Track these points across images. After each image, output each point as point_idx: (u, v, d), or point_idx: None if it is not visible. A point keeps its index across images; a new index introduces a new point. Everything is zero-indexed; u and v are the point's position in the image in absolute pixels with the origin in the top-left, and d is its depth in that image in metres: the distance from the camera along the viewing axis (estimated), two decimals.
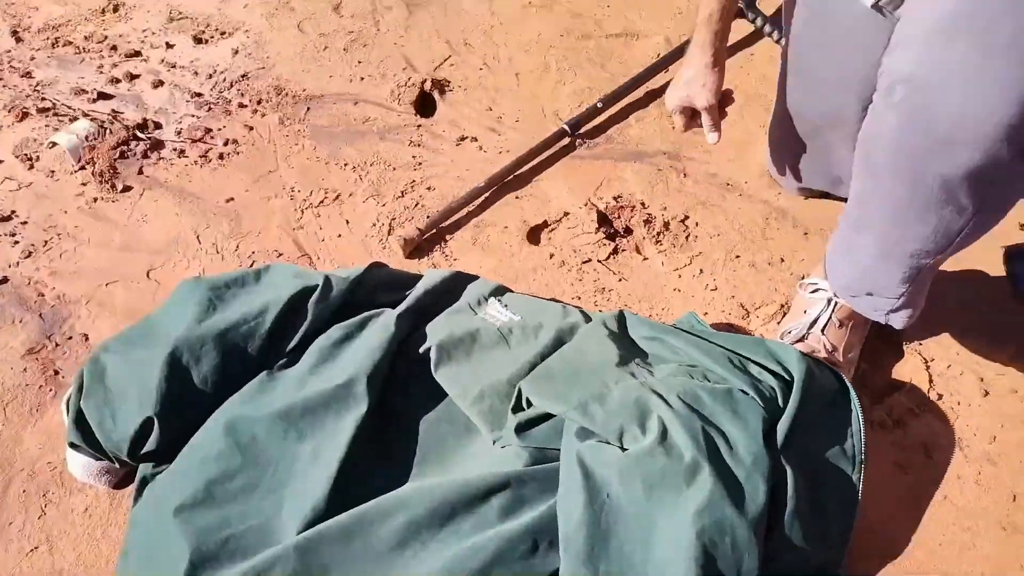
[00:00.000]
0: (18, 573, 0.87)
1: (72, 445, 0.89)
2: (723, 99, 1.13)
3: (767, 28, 1.58)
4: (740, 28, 1.61)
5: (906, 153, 0.76)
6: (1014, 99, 0.66)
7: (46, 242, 1.25)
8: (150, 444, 0.86)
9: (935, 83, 0.71)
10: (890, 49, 0.77)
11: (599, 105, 1.47)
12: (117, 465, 0.90)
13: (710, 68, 1.06)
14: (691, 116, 1.13)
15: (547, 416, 0.87)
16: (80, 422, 0.88)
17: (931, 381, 1.04)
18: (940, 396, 1.03)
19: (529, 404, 0.88)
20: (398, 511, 0.78)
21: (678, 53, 1.55)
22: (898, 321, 0.96)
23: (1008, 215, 0.81)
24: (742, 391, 0.86)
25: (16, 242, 1.25)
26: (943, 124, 0.71)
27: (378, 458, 0.89)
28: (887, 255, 0.90)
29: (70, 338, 1.11)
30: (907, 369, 1.06)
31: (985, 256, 1.14)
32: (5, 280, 1.19)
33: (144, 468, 0.89)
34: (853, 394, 0.92)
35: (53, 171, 1.37)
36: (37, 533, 0.90)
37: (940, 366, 1.06)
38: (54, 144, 1.39)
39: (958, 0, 0.70)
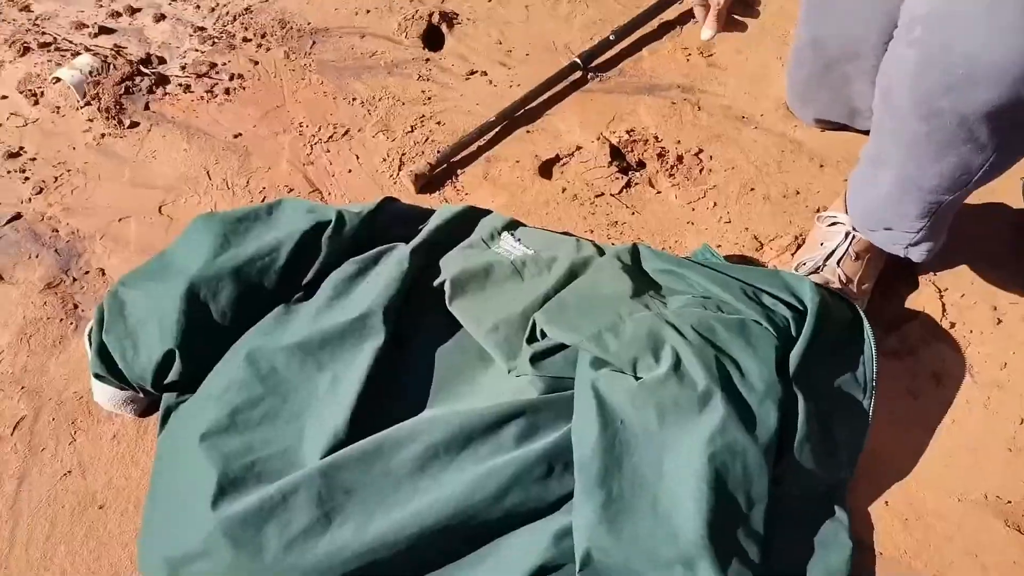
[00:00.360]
0: (55, 494, 0.90)
1: (96, 376, 0.91)
2: (746, 5, 1.10)
3: None
4: None
5: (924, 91, 0.75)
6: None
7: (56, 178, 1.25)
8: (172, 374, 0.88)
9: (953, 21, 0.70)
10: None
11: (611, 38, 1.43)
12: (141, 395, 0.93)
13: None
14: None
15: (561, 347, 0.88)
16: (103, 354, 0.89)
17: (944, 310, 1.05)
18: (953, 325, 1.04)
19: (543, 335, 0.89)
20: (417, 437, 0.81)
21: None
22: (917, 255, 0.96)
23: None
24: (755, 321, 0.87)
25: (27, 178, 1.25)
26: (961, 64, 0.70)
27: (395, 388, 0.91)
28: (904, 190, 0.89)
29: (87, 272, 1.12)
30: (921, 299, 1.06)
31: (1004, 188, 1.12)
32: (19, 216, 1.19)
33: (168, 398, 0.91)
34: (866, 323, 0.93)
35: (58, 107, 1.36)
36: (69, 458, 0.93)
37: (954, 296, 1.06)
38: (58, 80, 1.37)
39: None
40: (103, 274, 1.11)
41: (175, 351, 0.87)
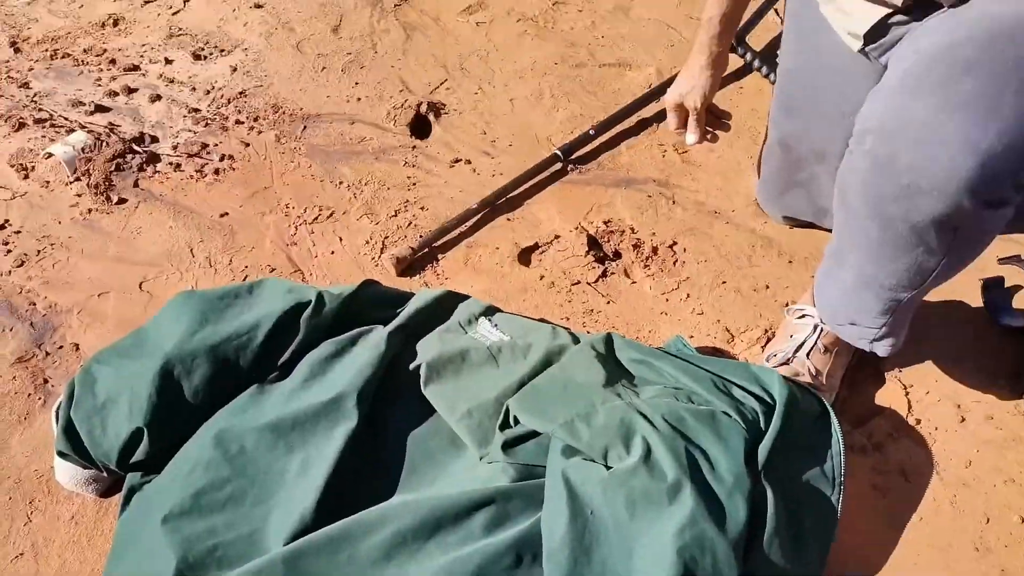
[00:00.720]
0: None
1: (60, 454, 0.89)
2: (719, 118, 1.16)
3: (756, 63, 1.63)
4: (730, 63, 1.65)
5: (875, 197, 0.79)
6: (973, 155, 0.69)
7: (39, 252, 1.26)
8: (139, 454, 0.87)
9: (899, 135, 0.74)
10: (870, 94, 0.80)
11: (591, 132, 1.50)
12: (105, 474, 0.91)
13: (704, 69, 1.09)
14: (685, 116, 1.15)
15: (533, 434, 0.89)
16: (69, 431, 0.88)
17: (910, 407, 1.07)
18: (918, 421, 1.05)
19: (516, 422, 0.90)
20: (385, 523, 0.79)
21: (669, 84, 1.59)
22: (881, 349, 0.99)
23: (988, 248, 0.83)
24: (725, 413, 0.88)
25: (8, 251, 1.26)
26: (906, 174, 0.74)
27: (366, 472, 0.90)
28: (865, 288, 0.92)
29: (60, 347, 1.11)
30: (887, 395, 1.09)
31: (965, 287, 1.17)
32: None
33: (132, 477, 0.89)
34: (834, 417, 0.94)
35: (48, 181, 1.38)
36: (22, 540, 0.90)
37: (919, 392, 1.09)
38: (50, 155, 1.40)
39: (925, 56, 0.74)
40: (77, 349, 1.11)
41: (143, 429, 0.86)
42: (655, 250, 1.30)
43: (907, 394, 1.08)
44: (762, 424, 0.89)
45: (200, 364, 0.92)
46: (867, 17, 0.90)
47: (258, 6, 1.87)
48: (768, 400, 0.92)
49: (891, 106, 0.75)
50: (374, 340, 0.99)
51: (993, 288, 1.17)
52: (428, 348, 1.01)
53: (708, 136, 1.16)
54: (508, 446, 0.88)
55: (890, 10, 0.88)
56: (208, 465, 0.84)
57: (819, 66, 1.03)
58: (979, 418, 1.05)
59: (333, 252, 1.29)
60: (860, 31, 0.92)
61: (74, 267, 1.24)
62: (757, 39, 1.67)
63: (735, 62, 1.66)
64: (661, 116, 1.57)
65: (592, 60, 1.73)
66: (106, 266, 1.24)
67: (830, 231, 1.24)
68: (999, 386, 1.09)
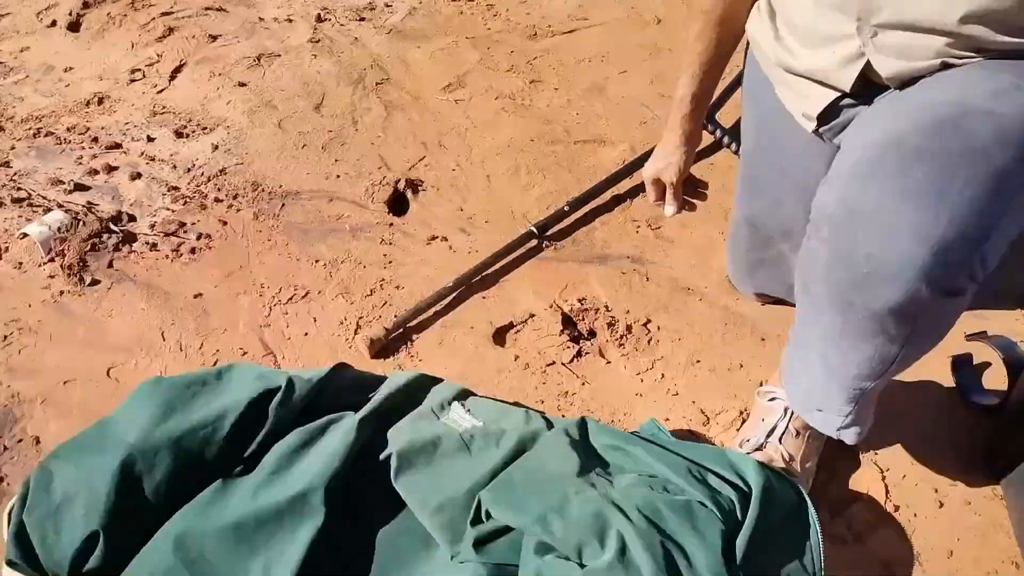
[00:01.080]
0: None
1: (10, 563, 0.85)
2: (695, 187, 1.19)
3: (726, 140, 1.67)
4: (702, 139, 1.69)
5: (835, 285, 0.79)
6: (927, 243, 0.69)
7: (5, 337, 1.24)
8: (93, 560, 0.83)
9: (856, 225, 0.74)
10: (822, 182, 0.81)
11: (566, 208, 1.52)
12: None
13: (679, 147, 1.12)
14: (662, 189, 1.17)
15: (506, 529, 0.86)
16: (20, 536, 0.84)
17: (887, 492, 1.05)
18: (897, 508, 1.04)
19: (488, 516, 0.88)
20: None
21: (643, 160, 1.63)
22: (849, 437, 0.97)
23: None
24: (701, 503, 0.87)
25: None
26: (865, 264, 0.74)
27: (334, 571, 0.87)
28: (829, 376, 0.92)
29: (20, 440, 1.08)
30: (864, 479, 1.07)
31: (934, 365, 1.17)
32: None
33: None
34: (811, 507, 0.92)
35: (21, 263, 1.37)
36: None
37: (896, 476, 1.08)
38: (25, 235, 1.40)
39: (875, 143, 0.75)
40: (38, 443, 1.08)
41: (99, 532, 0.83)
42: (629, 328, 1.30)
43: (884, 479, 1.07)
44: (739, 513, 0.87)
45: (163, 459, 0.89)
46: (819, 100, 0.93)
47: (242, 84, 1.90)
48: (744, 488, 0.91)
49: (845, 195, 0.75)
50: (344, 428, 0.97)
51: (962, 366, 1.17)
52: (399, 436, 0.99)
53: (687, 207, 1.18)
54: (480, 543, 0.85)
55: (839, 94, 0.91)
56: (167, 573, 0.81)
57: (778, 146, 1.06)
58: (958, 503, 1.04)
59: (307, 333, 1.28)
60: (813, 113, 0.95)
61: (41, 353, 1.22)
62: (727, 116, 1.72)
63: (706, 139, 1.70)
64: (635, 192, 1.60)
65: (567, 137, 1.77)
66: (74, 351, 1.22)
67: None
68: (975, 467, 1.08)
